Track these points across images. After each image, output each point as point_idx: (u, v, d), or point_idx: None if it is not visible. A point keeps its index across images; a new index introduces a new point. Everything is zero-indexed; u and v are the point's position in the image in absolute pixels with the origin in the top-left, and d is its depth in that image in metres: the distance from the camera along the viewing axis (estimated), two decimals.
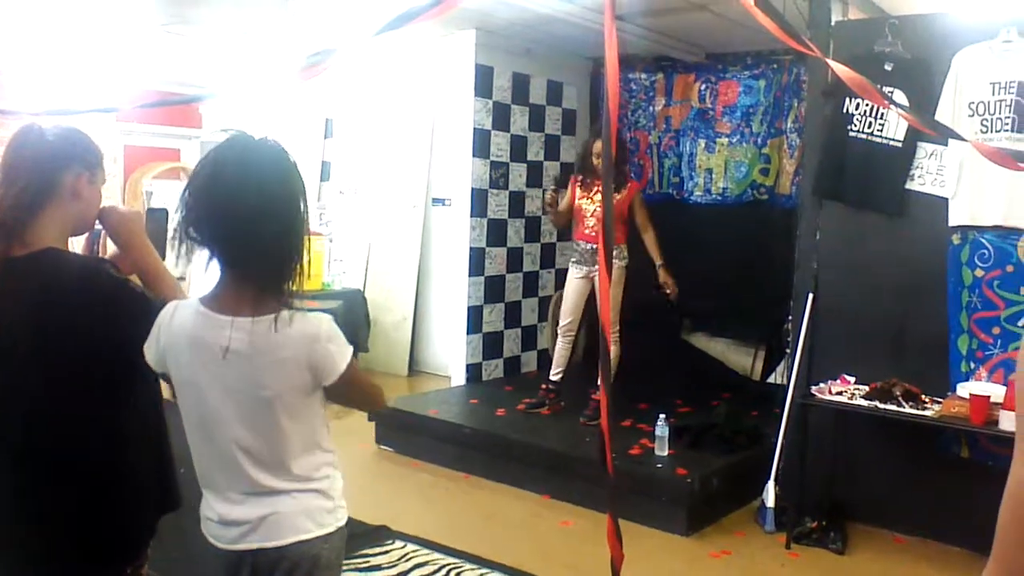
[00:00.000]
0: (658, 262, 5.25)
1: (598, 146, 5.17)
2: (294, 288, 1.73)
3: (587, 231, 5.25)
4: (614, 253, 5.05)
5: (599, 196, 5.15)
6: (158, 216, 2.05)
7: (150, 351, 1.80)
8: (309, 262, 1.75)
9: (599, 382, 5.16)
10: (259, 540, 1.77)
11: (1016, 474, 1.00)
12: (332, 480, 1.86)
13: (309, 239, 1.76)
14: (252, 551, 1.78)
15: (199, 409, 1.76)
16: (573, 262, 5.40)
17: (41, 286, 1.76)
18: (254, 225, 1.67)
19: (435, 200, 7.35)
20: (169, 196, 7.85)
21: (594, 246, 5.19)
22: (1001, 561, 0.99)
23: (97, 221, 1.95)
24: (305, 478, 1.80)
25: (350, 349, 1.79)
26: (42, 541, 1.81)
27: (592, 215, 5.19)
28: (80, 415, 1.79)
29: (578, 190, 5.32)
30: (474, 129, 6.25)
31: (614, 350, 5.12)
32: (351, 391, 1.86)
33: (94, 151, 1.89)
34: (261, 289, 1.71)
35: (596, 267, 5.19)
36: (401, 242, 7.42)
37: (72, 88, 7.05)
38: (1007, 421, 3.55)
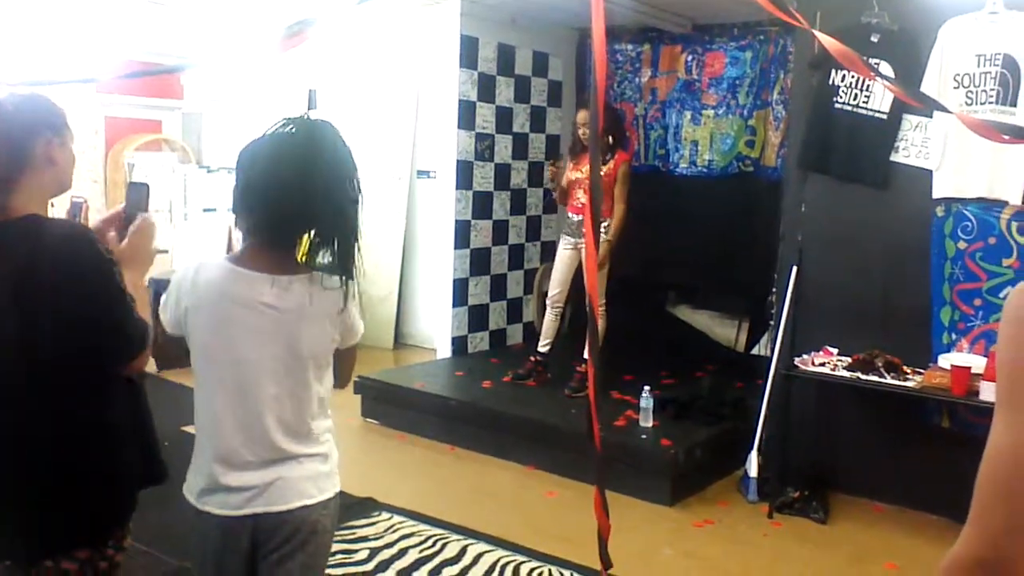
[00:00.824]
0: (608, 236, 5.04)
1: (582, 116, 5.16)
2: (352, 257, 1.84)
3: (575, 203, 5.24)
4: (602, 226, 5.03)
5: (587, 167, 5.12)
6: (139, 190, 2.02)
7: (167, 313, 1.84)
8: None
9: (583, 355, 5.20)
10: (264, 504, 1.81)
11: (994, 441, 1.02)
12: (332, 446, 1.93)
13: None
14: (254, 516, 1.81)
15: (230, 368, 1.80)
16: (563, 234, 5.40)
17: (27, 251, 1.73)
18: (314, 193, 1.75)
19: (420, 172, 7.32)
20: (151, 168, 7.79)
21: (581, 218, 5.18)
22: (977, 524, 1.01)
23: (83, 200, 1.95)
24: (315, 441, 1.87)
25: None
26: (22, 515, 1.80)
27: (580, 186, 5.17)
28: (62, 383, 1.78)
29: (569, 162, 5.30)
30: (459, 101, 6.21)
31: (600, 324, 5.11)
32: (346, 361, 1.98)
33: (57, 113, 1.86)
34: (311, 252, 1.82)
35: (581, 239, 5.18)
36: (386, 215, 7.39)
37: (50, 58, 6.95)
38: (988, 392, 3.58)
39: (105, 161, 7.89)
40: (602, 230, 5.03)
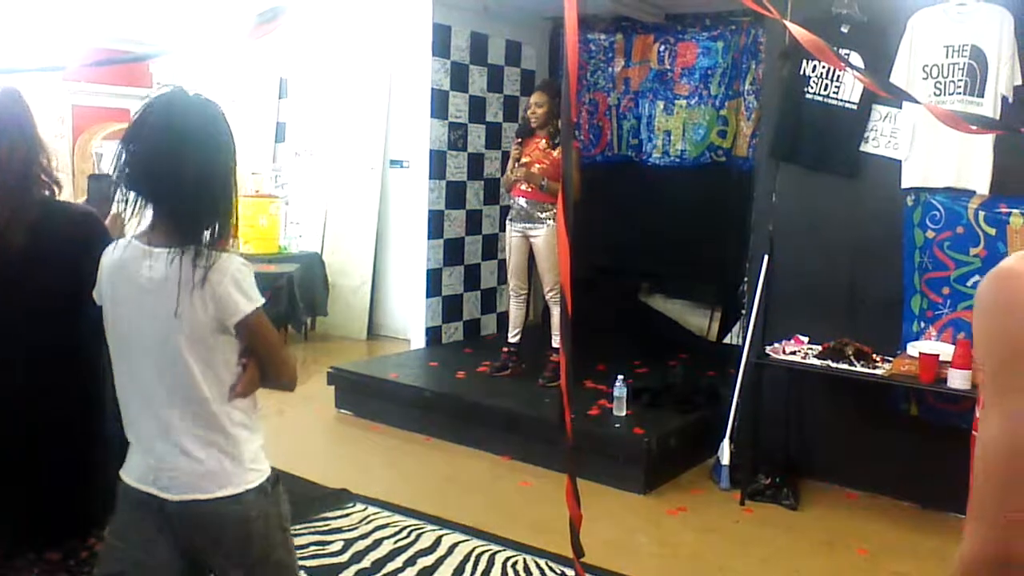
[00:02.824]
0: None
1: (535, 97, 5.15)
2: (224, 232, 1.80)
3: (523, 187, 5.18)
4: (550, 213, 5.03)
5: (535, 152, 5.13)
6: (101, 181, 2.03)
7: (95, 289, 1.86)
8: (237, 216, 1.85)
9: (553, 344, 5.21)
10: (159, 489, 1.80)
11: (989, 431, 0.99)
12: (242, 443, 1.85)
13: (237, 192, 1.85)
14: (159, 499, 1.80)
15: (123, 340, 1.83)
16: (509, 219, 5.33)
17: (56, 231, 1.80)
18: (175, 163, 1.74)
19: (393, 162, 7.28)
20: None
21: (530, 202, 5.15)
22: (987, 520, 0.98)
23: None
24: (220, 431, 1.81)
25: (257, 298, 1.82)
26: (26, 508, 1.78)
27: (529, 169, 5.13)
28: (64, 369, 1.79)
29: (515, 148, 5.23)
30: (432, 90, 6.18)
31: (555, 310, 5.14)
32: (257, 344, 1.86)
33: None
34: (181, 226, 1.78)
35: (531, 225, 5.16)
36: (359, 205, 7.35)
37: (16, 45, 6.83)
38: (955, 379, 3.63)
39: (72, 150, 7.78)
40: (550, 216, 5.02)
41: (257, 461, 1.87)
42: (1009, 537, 0.96)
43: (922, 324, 4.15)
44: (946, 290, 4.07)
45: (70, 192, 7.48)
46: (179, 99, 1.80)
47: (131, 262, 1.80)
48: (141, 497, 1.82)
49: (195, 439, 1.80)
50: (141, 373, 1.81)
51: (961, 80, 3.92)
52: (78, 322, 1.78)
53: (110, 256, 1.83)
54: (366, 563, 3.51)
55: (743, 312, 4.87)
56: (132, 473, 1.83)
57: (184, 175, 1.74)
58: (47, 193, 1.82)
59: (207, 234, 1.79)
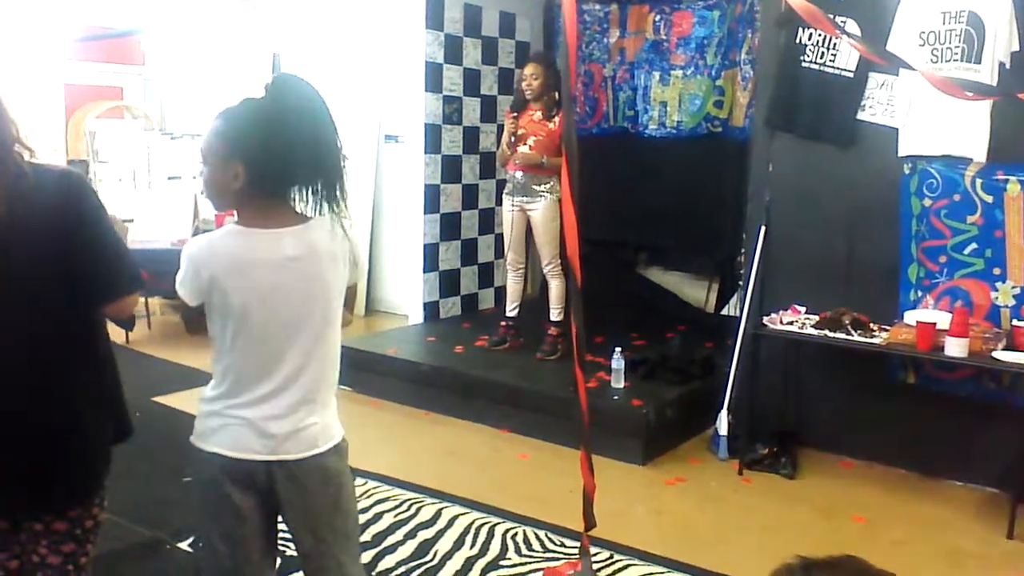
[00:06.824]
0: (557, 196, 4.99)
1: (529, 69, 5.13)
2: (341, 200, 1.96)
3: (518, 160, 5.16)
4: (548, 186, 5.04)
5: (531, 124, 5.11)
6: (79, 168, 2.01)
7: (186, 287, 1.89)
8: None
9: (551, 317, 5.21)
10: (283, 453, 1.92)
11: None
12: (335, 399, 2.08)
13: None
14: (269, 463, 1.91)
15: (263, 326, 1.88)
16: (506, 193, 5.30)
17: (52, 193, 1.75)
18: (325, 143, 1.92)
19: (387, 137, 7.25)
20: (113, 136, 7.64)
21: (527, 175, 5.12)
22: None
23: None
24: (329, 392, 2.02)
25: None
26: (31, 473, 1.77)
27: (523, 142, 5.11)
28: (72, 330, 1.78)
29: (510, 118, 5.22)
30: (426, 63, 6.13)
31: (558, 284, 5.14)
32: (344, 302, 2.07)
33: None
34: (328, 199, 1.93)
35: (529, 199, 5.14)
36: (354, 181, 7.31)
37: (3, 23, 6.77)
38: (952, 348, 3.64)
39: (65, 130, 7.73)
40: (548, 189, 5.03)
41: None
42: None
43: (919, 293, 4.15)
44: (943, 258, 4.06)
45: None
46: (298, 82, 1.91)
47: (260, 245, 1.86)
48: (247, 469, 1.90)
49: (323, 402, 1.99)
50: (283, 348, 1.89)
51: (958, 47, 3.89)
52: (68, 289, 1.76)
53: (223, 247, 1.87)
54: (367, 536, 3.53)
55: (740, 283, 4.87)
56: (246, 449, 1.90)
57: (331, 152, 1.92)
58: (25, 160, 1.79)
59: (328, 202, 1.92)
